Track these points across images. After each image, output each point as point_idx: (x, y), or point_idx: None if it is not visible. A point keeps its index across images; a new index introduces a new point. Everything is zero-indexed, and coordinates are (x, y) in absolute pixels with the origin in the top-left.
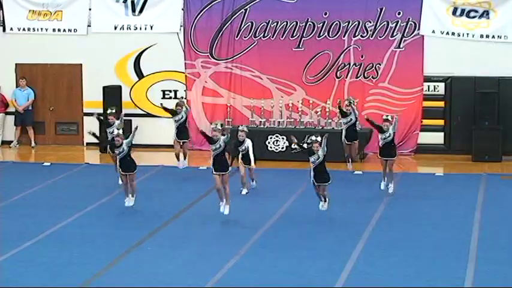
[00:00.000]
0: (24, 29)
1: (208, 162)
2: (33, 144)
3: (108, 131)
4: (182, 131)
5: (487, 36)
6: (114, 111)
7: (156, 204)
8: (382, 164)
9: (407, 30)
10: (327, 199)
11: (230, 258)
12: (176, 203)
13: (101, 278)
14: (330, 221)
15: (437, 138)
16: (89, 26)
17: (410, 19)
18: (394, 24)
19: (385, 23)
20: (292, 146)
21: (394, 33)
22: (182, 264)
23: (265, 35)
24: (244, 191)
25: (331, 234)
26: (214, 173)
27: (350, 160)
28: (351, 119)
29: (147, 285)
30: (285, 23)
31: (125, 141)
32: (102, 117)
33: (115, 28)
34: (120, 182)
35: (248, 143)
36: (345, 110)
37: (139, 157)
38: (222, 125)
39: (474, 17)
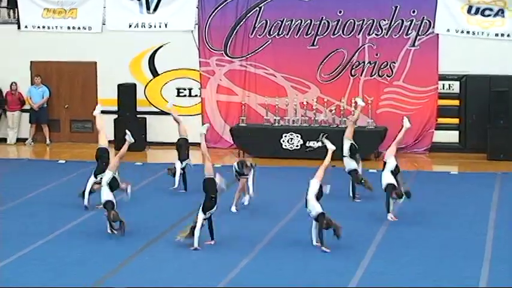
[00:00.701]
0: (39, 27)
1: (222, 160)
2: (48, 141)
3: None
4: None
5: (502, 35)
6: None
7: (170, 203)
8: None
9: (422, 28)
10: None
11: (242, 260)
12: (189, 202)
13: (114, 277)
14: (343, 219)
15: (452, 136)
16: (103, 23)
17: (425, 17)
18: (408, 23)
19: (399, 21)
20: (307, 144)
21: (409, 32)
22: (195, 263)
23: (280, 33)
24: (245, 201)
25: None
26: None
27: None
28: None
29: (160, 285)
30: (299, 21)
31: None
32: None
33: (130, 26)
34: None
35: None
36: None
37: (154, 155)
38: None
39: (489, 15)
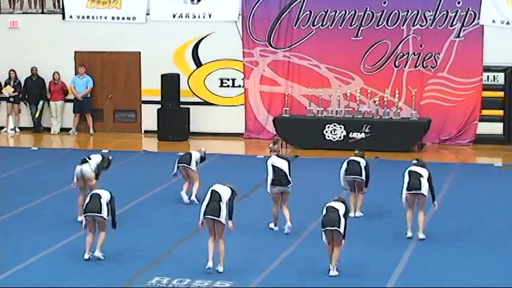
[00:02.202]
0: (83, 17)
1: (266, 151)
2: (91, 131)
3: None
4: None
5: None
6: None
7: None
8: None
9: (466, 19)
10: None
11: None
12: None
13: (159, 265)
14: (384, 212)
15: (497, 128)
16: (147, 14)
17: (470, 8)
18: (453, 14)
19: (444, 12)
20: (350, 135)
21: (454, 23)
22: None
23: (324, 24)
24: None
25: (386, 223)
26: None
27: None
28: None
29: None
30: (343, 12)
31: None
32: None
33: (173, 16)
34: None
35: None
36: None
37: (197, 146)
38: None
39: None
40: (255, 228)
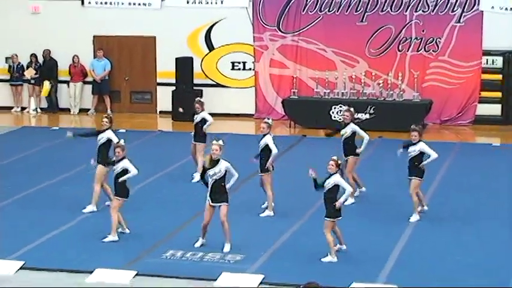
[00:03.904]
0: (101, 3)
1: (274, 131)
2: (109, 111)
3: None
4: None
5: None
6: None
7: None
8: None
9: (467, 5)
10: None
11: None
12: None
13: (170, 239)
14: (383, 192)
15: (495, 109)
16: (162, 0)
17: None
18: (454, 0)
19: None
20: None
21: (455, 9)
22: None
23: (330, 9)
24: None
25: (384, 205)
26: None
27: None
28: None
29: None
30: None
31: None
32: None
33: (187, 2)
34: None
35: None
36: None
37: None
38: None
39: None
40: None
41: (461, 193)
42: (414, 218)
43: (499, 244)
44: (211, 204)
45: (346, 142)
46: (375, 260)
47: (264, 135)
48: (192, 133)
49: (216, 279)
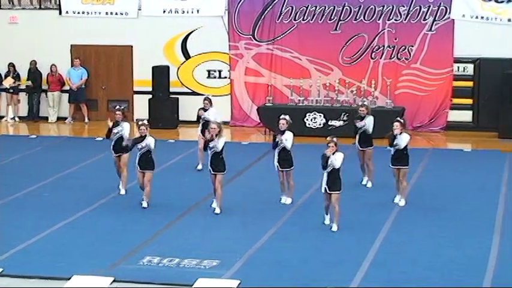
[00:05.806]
0: (78, 12)
1: (249, 138)
2: (86, 120)
3: (115, 131)
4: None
5: None
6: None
7: (201, 178)
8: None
9: (438, 14)
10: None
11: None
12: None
13: (148, 246)
14: (360, 194)
15: (466, 116)
16: (139, 9)
17: (442, 4)
18: (426, 9)
19: (417, 7)
20: (329, 123)
21: (426, 17)
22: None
23: (305, 18)
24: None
25: (360, 206)
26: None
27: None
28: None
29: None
30: (323, 7)
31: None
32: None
33: (164, 12)
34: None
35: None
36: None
37: (185, 133)
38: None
39: (502, 2)
40: (240, 209)
41: (434, 197)
42: (402, 202)
43: (471, 244)
44: (212, 173)
45: (363, 134)
46: (350, 262)
47: (284, 132)
48: (199, 128)
49: (192, 285)
